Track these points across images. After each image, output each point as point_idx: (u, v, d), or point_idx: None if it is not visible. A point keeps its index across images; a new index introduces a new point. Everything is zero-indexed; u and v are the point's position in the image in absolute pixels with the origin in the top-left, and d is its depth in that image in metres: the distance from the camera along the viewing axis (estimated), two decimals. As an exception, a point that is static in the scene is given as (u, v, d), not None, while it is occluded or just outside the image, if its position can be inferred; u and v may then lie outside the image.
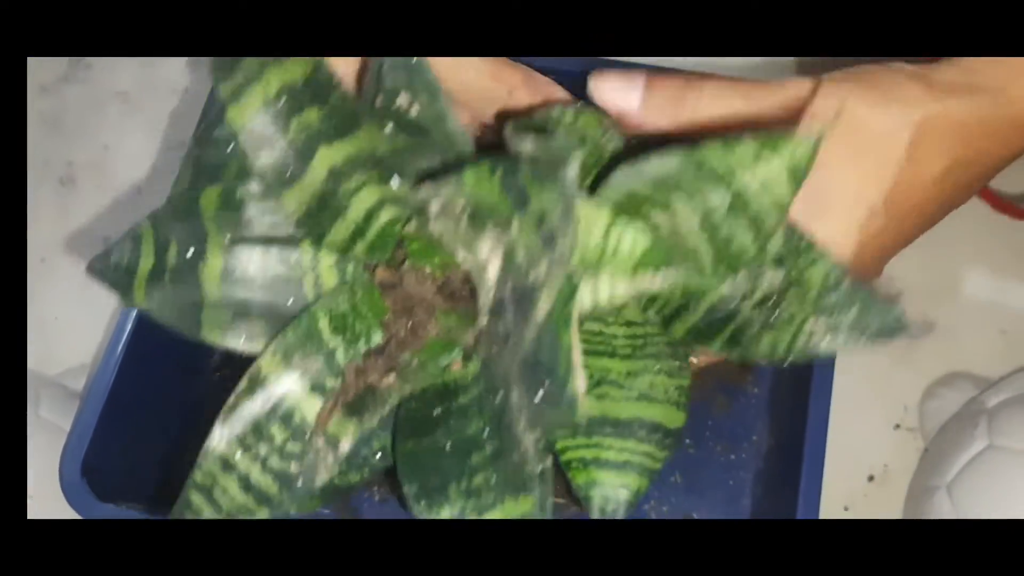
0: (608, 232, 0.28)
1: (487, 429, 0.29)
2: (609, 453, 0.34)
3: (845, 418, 0.55)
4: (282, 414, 0.31)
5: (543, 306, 0.25)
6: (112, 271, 0.33)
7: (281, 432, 0.31)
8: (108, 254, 0.34)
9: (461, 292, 0.33)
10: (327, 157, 0.30)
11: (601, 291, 0.28)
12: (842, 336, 0.30)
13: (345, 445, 0.31)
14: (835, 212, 0.32)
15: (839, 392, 0.55)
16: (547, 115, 0.33)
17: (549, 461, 0.28)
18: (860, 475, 0.56)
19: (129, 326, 0.47)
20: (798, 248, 0.30)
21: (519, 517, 0.28)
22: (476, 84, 0.32)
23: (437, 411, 0.30)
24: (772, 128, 0.27)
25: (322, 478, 0.31)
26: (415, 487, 0.29)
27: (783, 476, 0.46)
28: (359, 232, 0.32)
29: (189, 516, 0.31)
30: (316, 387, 0.32)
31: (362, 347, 0.32)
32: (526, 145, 0.27)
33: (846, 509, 0.55)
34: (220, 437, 0.31)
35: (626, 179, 0.28)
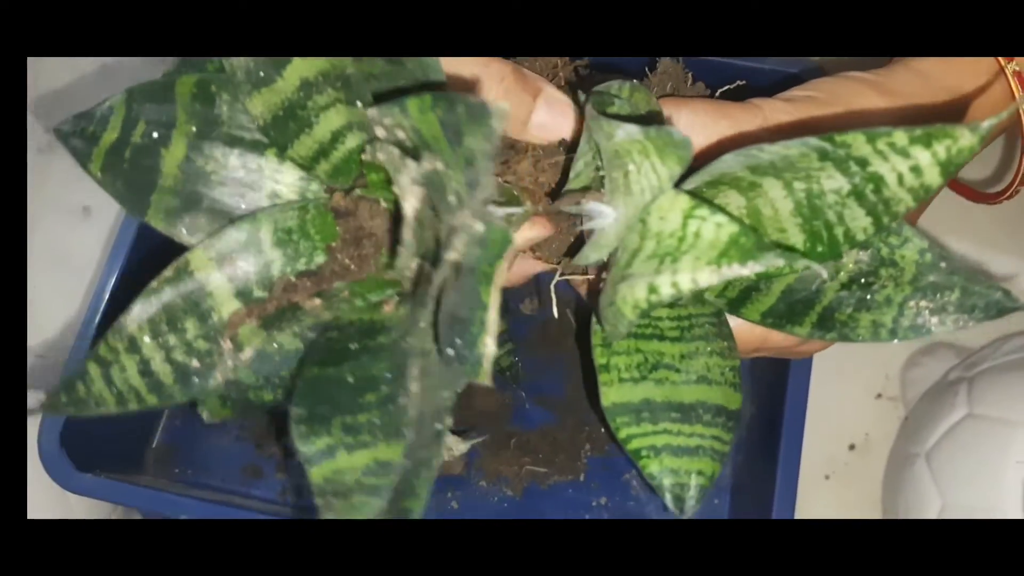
0: (687, 220, 0.27)
1: (391, 373, 0.29)
2: (679, 439, 0.33)
3: (827, 387, 0.56)
4: (201, 311, 0.31)
5: (453, 255, 0.25)
6: (77, 136, 0.33)
7: (194, 328, 0.31)
8: (79, 119, 0.33)
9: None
10: (300, 68, 0.30)
11: (682, 281, 0.27)
12: (950, 317, 0.29)
13: (248, 353, 0.30)
14: None
15: (821, 362, 0.55)
16: (608, 88, 0.33)
17: (449, 421, 0.27)
18: (842, 444, 0.56)
19: (107, 296, 0.47)
20: (890, 231, 0.30)
21: (386, 460, 0.27)
22: (467, 70, 0.32)
23: (354, 346, 0.30)
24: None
25: (216, 380, 0.30)
26: (303, 411, 0.28)
27: (763, 445, 0.46)
28: (324, 152, 0.31)
29: (80, 388, 0.31)
30: (241, 293, 0.31)
31: (300, 266, 0.31)
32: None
33: (827, 478, 0.55)
34: (134, 318, 0.31)
35: (715, 166, 0.28)
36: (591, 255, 0.33)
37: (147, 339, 0.31)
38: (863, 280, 0.31)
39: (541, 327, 0.54)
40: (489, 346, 0.24)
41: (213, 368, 0.30)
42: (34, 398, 0.51)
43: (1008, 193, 0.39)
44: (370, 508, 0.26)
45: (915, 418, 0.52)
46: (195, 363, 0.31)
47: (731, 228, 0.26)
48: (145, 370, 0.31)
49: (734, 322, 0.35)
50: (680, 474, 0.34)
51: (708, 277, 0.26)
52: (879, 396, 0.57)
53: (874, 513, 0.53)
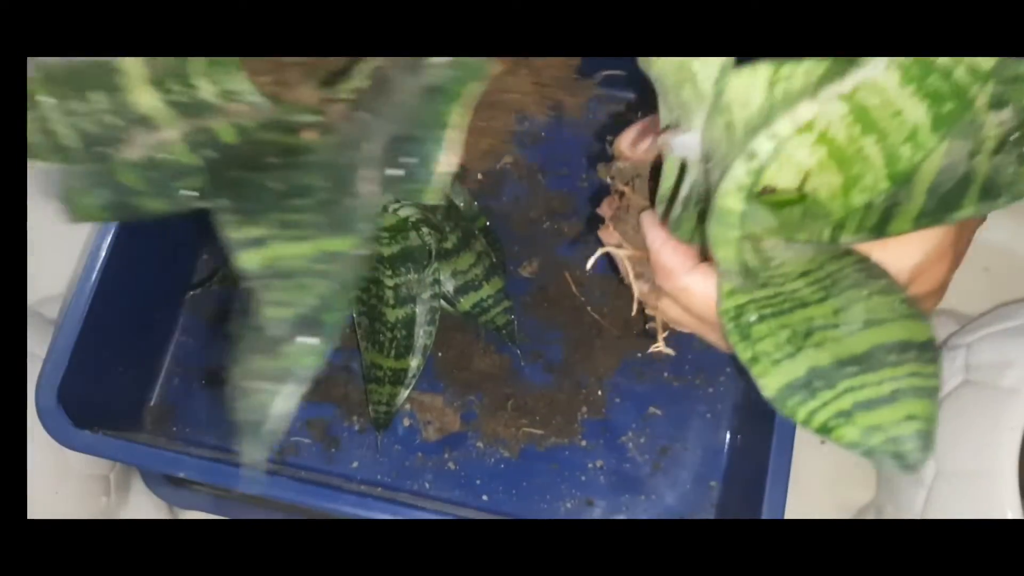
0: (772, 87, 0.25)
1: (329, 183, 0.27)
2: (867, 392, 0.28)
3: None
4: (120, 99, 0.30)
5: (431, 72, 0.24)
6: None
7: (104, 102, 0.30)
8: None
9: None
10: None
11: (780, 128, 0.24)
12: None
13: (168, 134, 0.29)
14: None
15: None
16: None
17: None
18: (837, 409, 0.56)
19: (103, 254, 0.46)
20: (1018, 77, 0.26)
21: (334, 251, 0.27)
22: None
23: (273, 160, 0.28)
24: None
25: (129, 153, 0.29)
26: (228, 203, 0.26)
27: (760, 408, 0.46)
28: None
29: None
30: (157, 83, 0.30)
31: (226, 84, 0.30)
32: None
33: (823, 442, 0.55)
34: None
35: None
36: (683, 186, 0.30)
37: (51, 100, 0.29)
38: (1014, 137, 0.26)
39: (539, 290, 0.54)
40: (445, 165, 0.24)
41: (124, 140, 0.29)
42: (34, 353, 0.51)
43: None
44: (318, 290, 0.25)
45: (912, 384, 0.52)
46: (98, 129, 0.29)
47: (822, 66, 0.23)
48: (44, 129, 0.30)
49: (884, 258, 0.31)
50: (887, 428, 0.28)
51: (806, 110, 0.23)
52: (876, 362, 0.57)
53: (868, 478, 0.54)
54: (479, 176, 0.56)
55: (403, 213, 0.49)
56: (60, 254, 0.60)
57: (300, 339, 0.26)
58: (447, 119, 0.24)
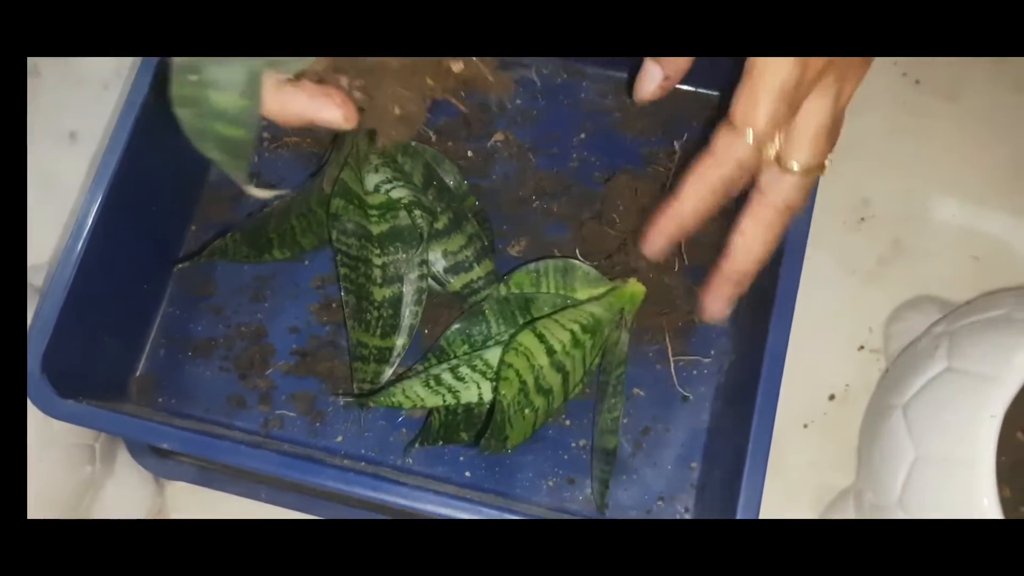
0: None
1: None
2: None
3: (810, 338, 0.56)
4: None
5: None
6: None
7: None
8: None
9: None
10: None
11: None
12: None
13: None
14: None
15: (805, 312, 0.55)
16: None
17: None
18: (821, 394, 0.56)
19: (90, 224, 0.46)
20: None
21: None
22: None
23: None
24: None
25: None
26: None
27: (742, 391, 0.46)
28: None
29: None
30: None
31: None
32: None
33: (805, 427, 0.56)
34: None
35: None
36: None
37: None
38: None
39: (527, 269, 0.54)
40: None
41: None
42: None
43: None
44: None
45: (895, 370, 0.53)
46: None
47: None
48: None
49: None
50: None
51: None
52: (861, 348, 0.57)
53: (849, 463, 0.54)
54: (469, 153, 0.56)
55: (395, 195, 0.49)
56: (49, 222, 0.60)
57: None
58: None
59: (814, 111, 0.36)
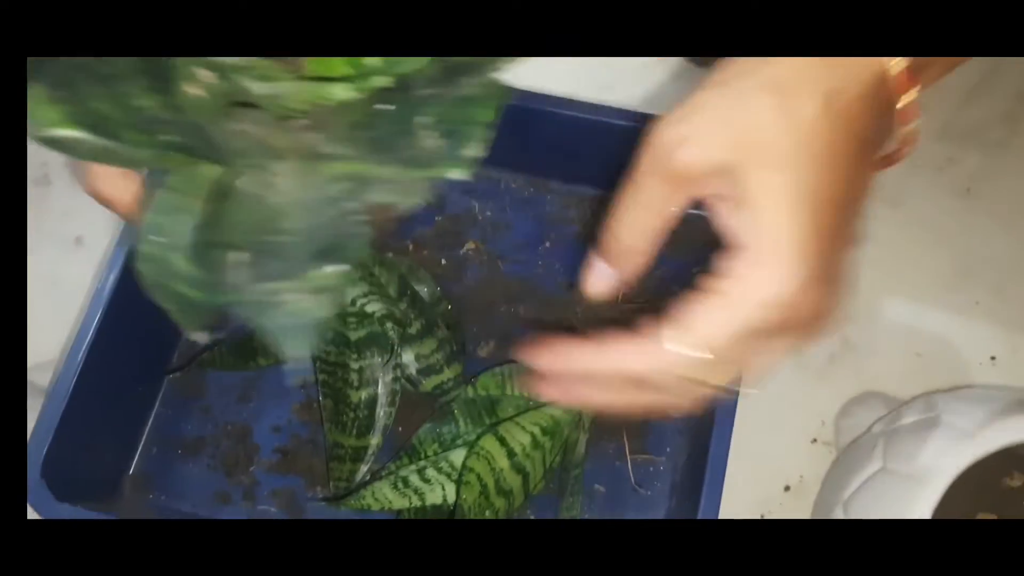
0: None
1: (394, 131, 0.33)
2: None
3: (765, 431, 0.59)
4: None
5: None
6: None
7: None
8: None
9: None
10: None
11: None
12: None
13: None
14: (761, 192, 0.30)
15: (761, 405, 0.59)
16: None
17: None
18: (777, 485, 0.59)
19: (93, 327, 0.50)
20: None
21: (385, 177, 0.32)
22: None
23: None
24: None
25: None
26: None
27: (693, 488, 0.50)
28: None
29: None
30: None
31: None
32: None
33: (762, 516, 0.59)
34: None
35: None
36: None
37: None
38: None
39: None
40: (476, 150, 0.31)
41: None
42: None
43: (886, 161, 0.37)
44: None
45: (838, 466, 0.56)
46: None
47: None
48: None
49: None
50: None
51: None
52: (815, 441, 0.60)
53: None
54: (443, 261, 0.60)
55: (369, 308, 0.53)
56: (56, 321, 0.64)
57: (328, 266, 0.31)
58: (482, 118, 0.31)
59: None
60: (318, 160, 0.32)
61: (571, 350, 0.33)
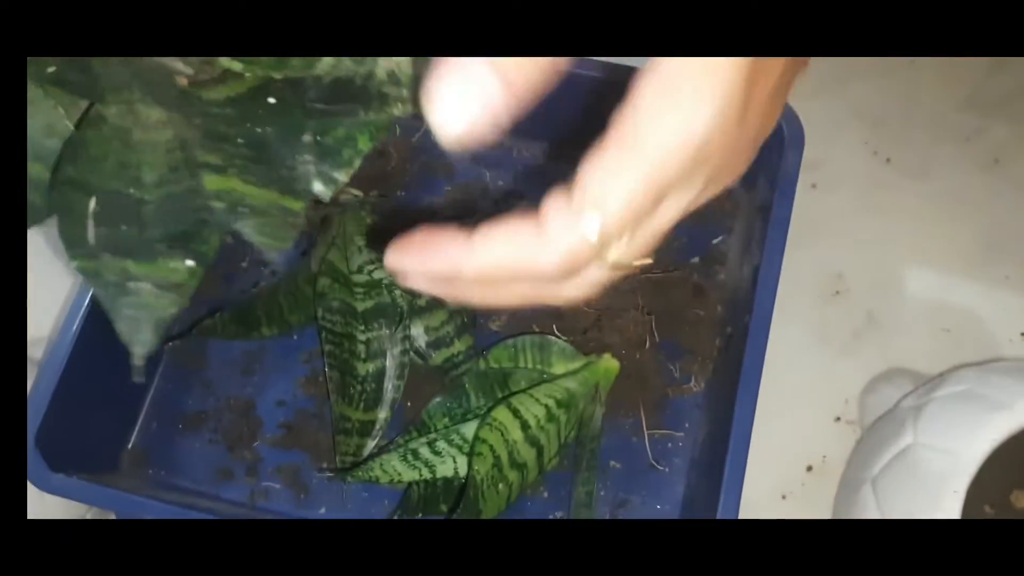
0: None
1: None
2: None
3: (789, 409, 0.57)
4: None
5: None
6: None
7: None
8: None
9: None
10: None
11: None
12: None
13: None
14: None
15: (783, 384, 0.57)
16: None
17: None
18: (799, 465, 0.57)
19: (88, 299, 0.49)
20: None
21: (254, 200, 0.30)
22: None
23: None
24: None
25: None
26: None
27: (713, 465, 0.48)
28: None
29: None
30: None
31: None
32: None
33: (783, 498, 0.57)
34: None
35: None
36: None
37: None
38: None
39: (506, 344, 0.55)
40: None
41: None
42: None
43: None
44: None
45: (866, 444, 0.54)
46: None
47: None
48: None
49: None
50: None
51: None
52: (838, 419, 0.58)
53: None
54: (453, 232, 0.58)
55: (377, 275, 0.51)
56: (50, 297, 0.62)
57: (178, 258, 0.29)
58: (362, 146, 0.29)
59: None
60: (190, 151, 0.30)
61: (438, 246, 0.27)
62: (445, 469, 0.48)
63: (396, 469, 0.48)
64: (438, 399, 0.52)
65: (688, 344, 0.54)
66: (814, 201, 0.63)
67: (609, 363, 0.51)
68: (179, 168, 0.30)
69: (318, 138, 0.30)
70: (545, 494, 0.53)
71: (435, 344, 0.53)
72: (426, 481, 0.50)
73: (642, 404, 0.53)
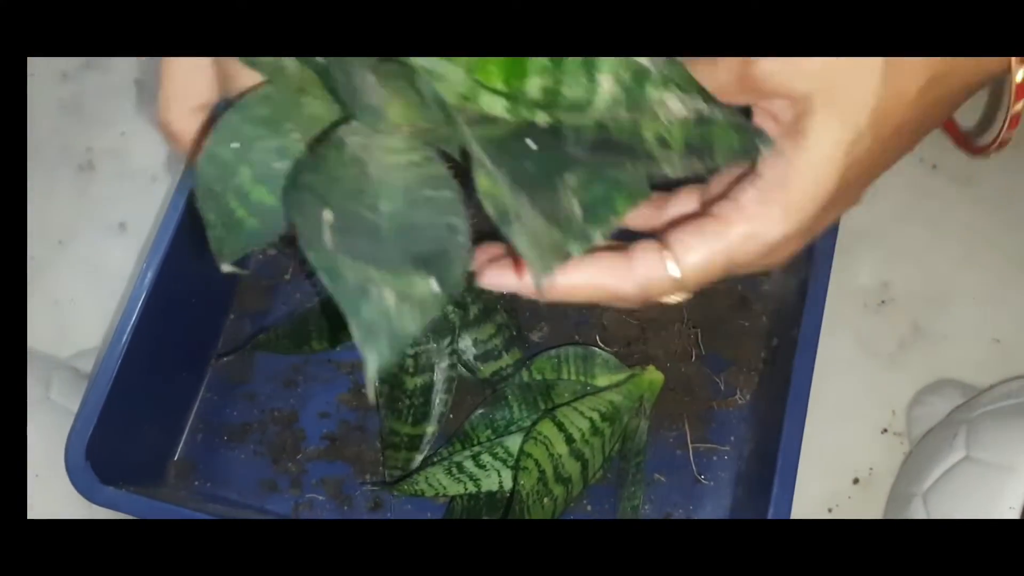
0: None
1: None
2: None
3: (834, 421, 0.56)
4: None
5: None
6: None
7: None
8: None
9: None
10: None
11: None
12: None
13: None
14: (818, 137, 0.30)
15: (829, 395, 0.56)
16: None
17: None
18: (846, 477, 0.56)
19: (137, 312, 0.49)
20: None
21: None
22: None
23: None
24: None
25: None
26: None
27: (761, 478, 0.47)
28: None
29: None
30: None
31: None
32: None
33: (830, 511, 0.56)
34: None
35: None
36: None
37: None
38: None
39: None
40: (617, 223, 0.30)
41: None
42: (66, 407, 0.54)
43: (996, 144, 0.37)
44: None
45: (916, 457, 0.53)
46: None
47: None
48: None
49: None
50: None
51: None
52: (885, 431, 0.57)
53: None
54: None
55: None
56: (99, 307, 0.63)
57: (422, 275, 0.27)
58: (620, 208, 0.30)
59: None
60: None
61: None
62: (490, 483, 0.48)
63: (441, 483, 0.48)
64: (480, 411, 0.52)
65: (733, 356, 0.54)
66: (859, 209, 0.62)
67: (654, 375, 0.51)
68: (419, 189, 0.29)
69: (581, 192, 0.29)
70: (589, 508, 0.52)
71: (484, 357, 0.53)
72: (470, 495, 0.49)
73: (687, 417, 0.53)
